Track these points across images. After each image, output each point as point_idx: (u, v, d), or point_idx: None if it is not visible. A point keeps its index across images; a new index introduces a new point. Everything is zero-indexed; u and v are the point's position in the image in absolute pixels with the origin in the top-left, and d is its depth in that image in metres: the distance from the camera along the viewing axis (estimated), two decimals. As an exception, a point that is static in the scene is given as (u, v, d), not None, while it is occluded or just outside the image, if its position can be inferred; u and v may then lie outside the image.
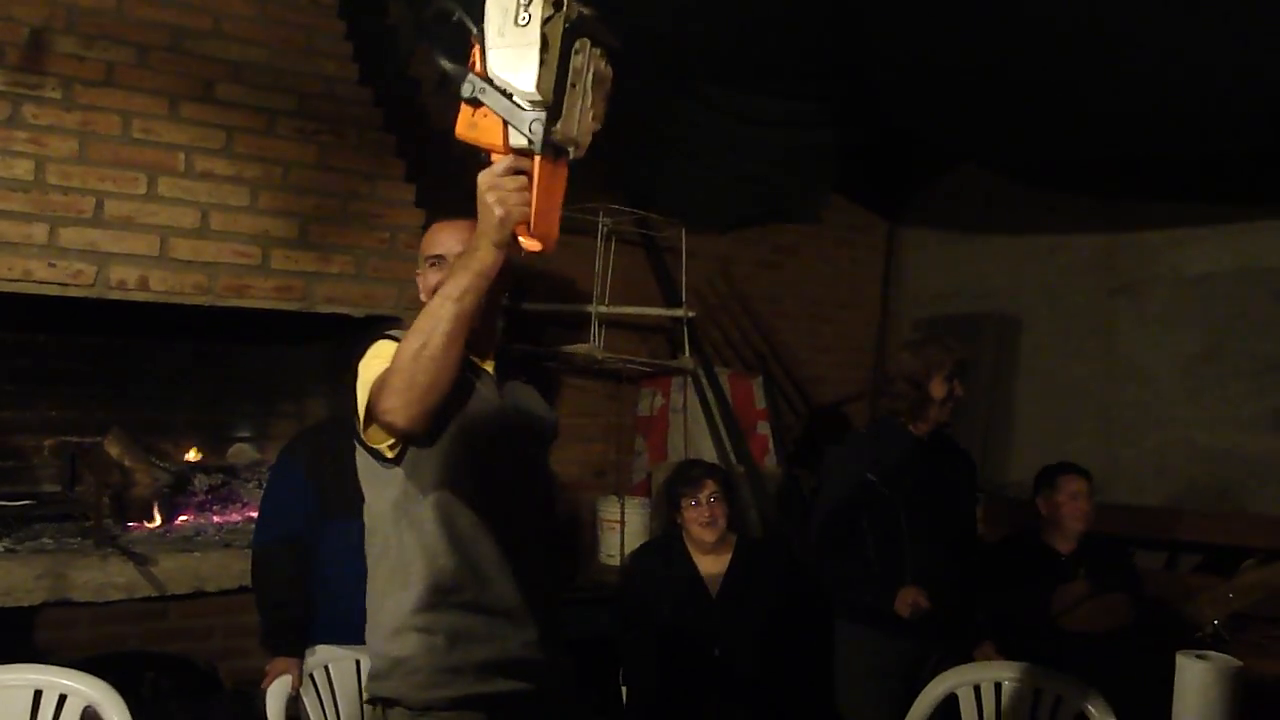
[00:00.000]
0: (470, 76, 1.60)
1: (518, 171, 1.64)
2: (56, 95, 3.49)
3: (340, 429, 3.38)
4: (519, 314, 4.85)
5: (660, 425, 5.36)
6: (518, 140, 1.61)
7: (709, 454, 5.12)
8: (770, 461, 5.40)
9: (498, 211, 1.65)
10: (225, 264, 3.65)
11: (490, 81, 1.58)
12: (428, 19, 1.65)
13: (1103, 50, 3.87)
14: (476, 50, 1.60)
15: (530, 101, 1.57)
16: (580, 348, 4.95)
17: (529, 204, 1.65)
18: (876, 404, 6.41)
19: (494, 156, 1.66)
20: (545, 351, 5.03)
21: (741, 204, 5.77)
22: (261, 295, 3.70)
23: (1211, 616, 4.16)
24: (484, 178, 1.66)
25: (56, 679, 2.76)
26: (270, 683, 3.08)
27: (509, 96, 1.58)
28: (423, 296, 2.19)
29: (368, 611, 2.19)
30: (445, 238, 2.22)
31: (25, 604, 3.38)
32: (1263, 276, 4.93)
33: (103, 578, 3.52)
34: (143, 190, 3.55)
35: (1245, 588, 4.29)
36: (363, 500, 2.98)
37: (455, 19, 1.62)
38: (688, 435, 5.26)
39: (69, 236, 3.40)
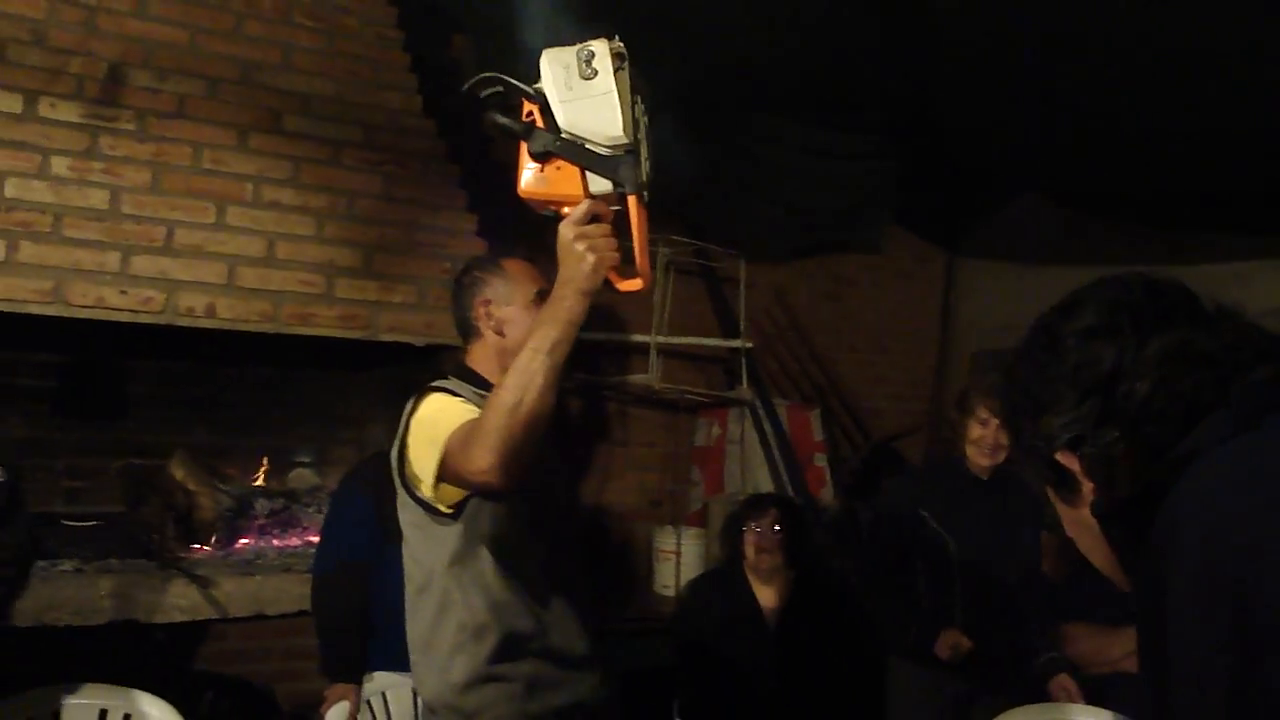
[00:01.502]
0: (538, 132, 1.63)
1: (595, 217, 1.67)
2: (131, 127, 3.58)
3: None
4: (577, 344, 4.87)
5: (717, 456, 5.35)
6: (600, 186, 1.65)
7: (765, 485, 5.10)
8: (827, 494, 5.37)
9: (590, 259, 1.66)
10: (290, 292, 3.70)
11: (559, 134, 1.61)
12: (474, 88, 1.69)
13: (1167, 80, 3.84)
14: (535, 109, 1.64)
15: (613, 146, 1.61)
16: (638, 378, 4.98)
17: (617, 248, 1.67)
18: (934, 437, 6.37)
19: (565, 209, 1.68)
20: (603, 381, 5.06)
21: (800, 234, 5.77)
22: (325, 323, 3.75)
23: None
24: (567, 228, 1.67)
25: (122, 700, 2.82)
26: (328, 708, 3.11)
27: (583, 145, 1.61)
28: (521, 336, 2.16)
29: (424, 664, 2.18)
30: (536, 275, 2.24)
31: (92, 623, 3.45)
32: (1330, 311, 4.82)
33: (166, 599, 3.58)
34: (212, 219, 3.62)
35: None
36: None
37: (503, 86, 1.66)
38: (744, 466, 5.24)
39: (140, 264, 3.47)
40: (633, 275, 1.71)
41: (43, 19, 3.65)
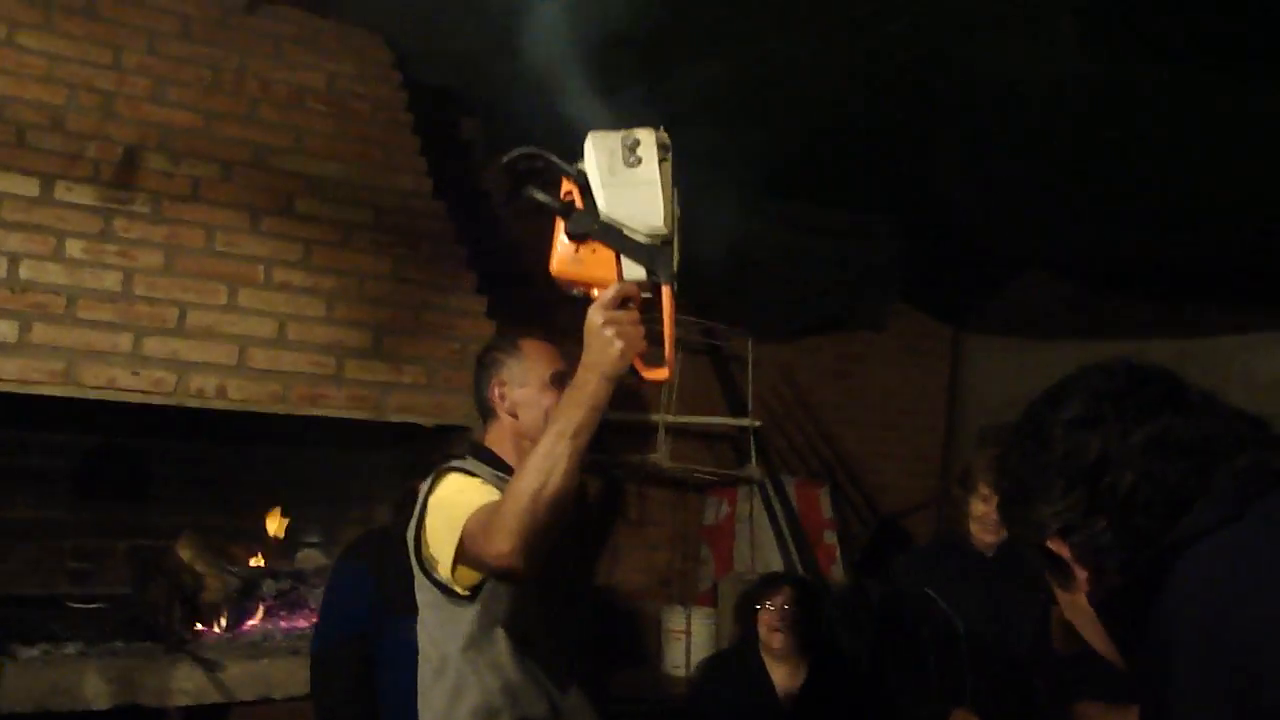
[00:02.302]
0: (577, 213, 1.65)
1: (624, 302, 1.67)
2: (145, 210, 3.62)
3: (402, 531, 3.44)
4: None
5: (726, 534, 5.33)
6: (635, 273, 1.66)
7: (775, 563, 5.07)
8: (837, 571, 5.34)
9: (617, 345, 1.65)
10: (301, 373, 3.72)
11: (598, 217, 1.63)
12: (514, 161, 1.69)
13: (1170, 156, 3.88)
14: (574, 189, 1.65)
15: (651, 236, 1.63)
16: (647, 457, 4.96)
17: (644, 335, 1.68)
18: (943, 513, 6.33)
19: (594, 291, 1.69)
20: (612, 460, 5.05)
21: (806, 313, 5.80)
22: (335, 404, 3.76)
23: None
24: (596, 312, 1.67)
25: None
26: None
27: (621, 231, 1.64)
28: (538, 418, 2.17)
29: None
30: (554, 356, 2.22)
31: (95, 708, 3.40)
32: (1335, 383, 4.82)
33: (172, 683, 3.53)
34: (223, 301, 3.65)
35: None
36: None
37: (544, 163, 1.67)
38: (754, 544, 5.21)
39: (152, 346, 3.49)
40: (659, 364, 1.70)
41: (61, 104, 3.72)
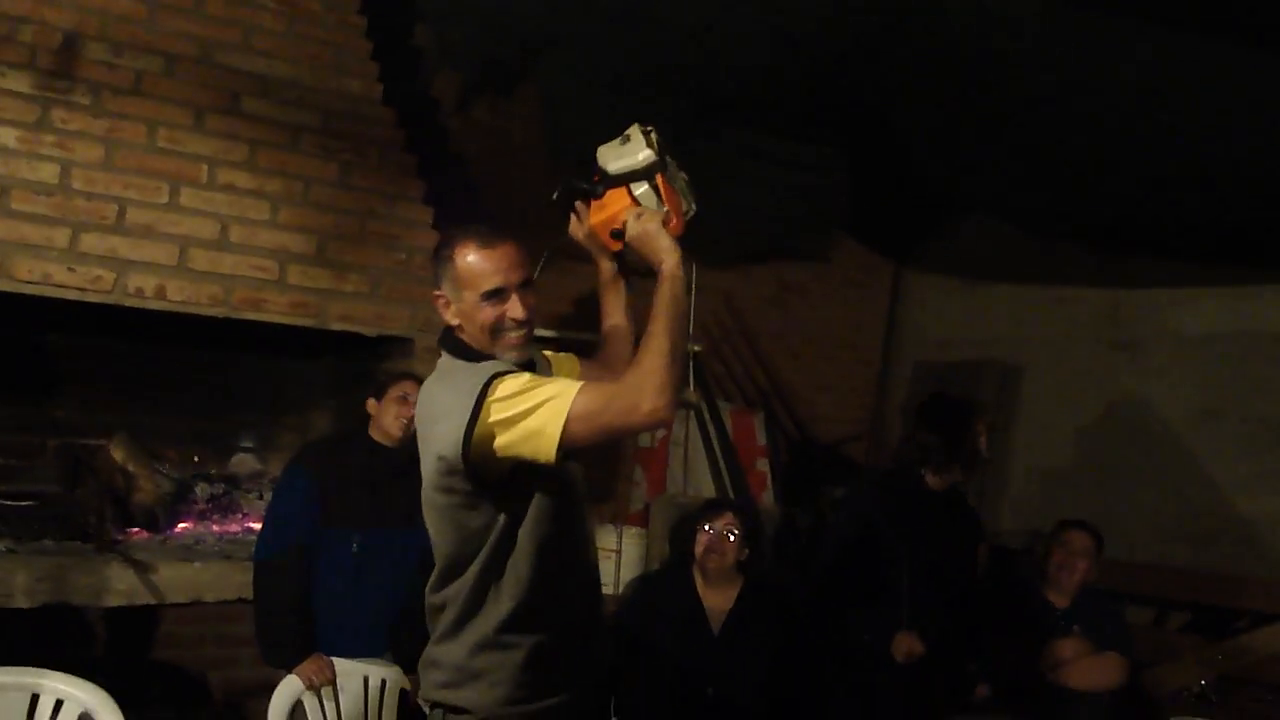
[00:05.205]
0: (593, 183, 2.28)
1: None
2: (85, 101, 3.51)
3: (348, 443, 3.43)
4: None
5: (660, 457, 5.37)
6: (639, 188, 2.23)
7: (708, 488, 5.14)
8: (767, 498, 5.42)
9: (650, 226, 2.15)
10: (242, 277, 3.66)
11: (605, 174, 2.26)
12: (571, 177, 2.35)
13: (1118, 114, 3.94)
14: (598, 177, 2.29)
15: (641, 163, 2.24)
16: (586, 376, 4.97)
17: (666, 214, 2.23)
18: (874, 446, 6.45)
19: (621, 218, 2.24)
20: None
21: (749, 239, 5.81)
22: (276, 310, 3.71)
23: (1199, 677, 4.16)
24: (630, 233, 2.19)
25: (54, 683, 2.77)
26: (314, 685, 3.16)
27: (618, 173, 2.25)
28: (479, 331, 2.16)
29: (441, 628, 2.19)
30: (489, 270, 2.16)
31: (25, 606, 3.38)
32: (1262, 340, 4.96)
33: (103, 583, 3.52)
34: (165, 199, 3.57)
35: (1235, 650, 4.31)
36: (366, 512, 3.22)
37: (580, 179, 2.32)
38: (687, 468, 5.27)
39: (90, 242, 3.41)
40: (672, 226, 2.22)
41: (-4, -16, 3.57)
